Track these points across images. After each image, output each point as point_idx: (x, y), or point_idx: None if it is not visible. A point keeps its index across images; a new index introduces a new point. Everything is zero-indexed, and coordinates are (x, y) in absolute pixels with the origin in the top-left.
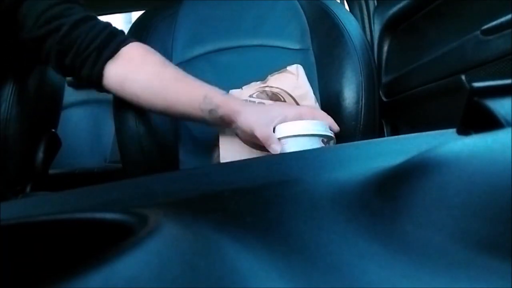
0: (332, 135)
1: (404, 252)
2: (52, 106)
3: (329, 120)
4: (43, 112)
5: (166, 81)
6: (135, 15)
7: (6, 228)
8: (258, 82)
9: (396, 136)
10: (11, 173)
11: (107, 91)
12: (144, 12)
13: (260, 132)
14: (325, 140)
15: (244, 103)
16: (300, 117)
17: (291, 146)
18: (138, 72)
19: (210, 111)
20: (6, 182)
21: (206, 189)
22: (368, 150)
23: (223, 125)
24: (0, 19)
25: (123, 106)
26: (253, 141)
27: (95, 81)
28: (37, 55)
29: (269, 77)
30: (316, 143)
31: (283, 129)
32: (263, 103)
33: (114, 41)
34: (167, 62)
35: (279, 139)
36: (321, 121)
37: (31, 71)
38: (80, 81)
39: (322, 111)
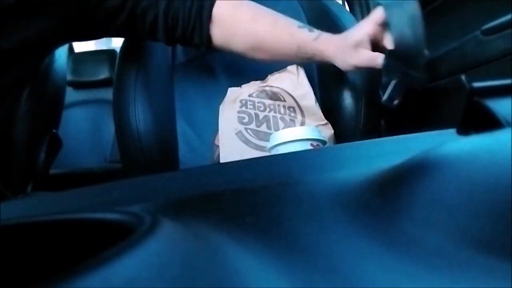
0: (324, 138)
1: (404, 252)
2: (54, 106)
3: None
4: (46, 113)
5: (261, 37)
6: None
7: (6, 228)
8: (258, 82)
9: (396, 136)
10: (13, 173)
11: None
12: None
13: (359, 62)
14: (314, 143)
15: (335, 45)
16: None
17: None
18: (234, 34)
19: (307, 59)
20: (8, 182)
21: (206, 189)
22: (368, 150)
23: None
24: None
25: (123, 106)
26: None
27: (207, 46)
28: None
29: (269, 76)
30: (305, 147)
31: (273, 139)
32: (264, 102)
33: (205, 7)
34: (254, 10)
35: (270, 149)
36: (311, 126)
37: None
38: (190, 46)
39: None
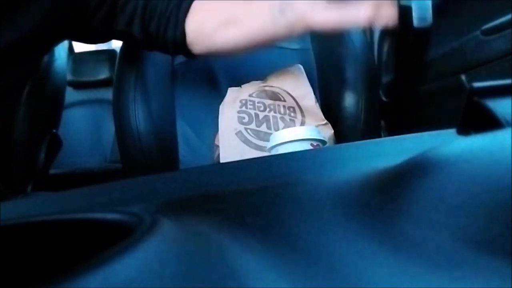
0: (324, 138)
1: (404, 252)
2: (54, 107)
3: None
4: (46, 113)
5: (233, 9)
6: None
7: (6, 228)
8: (258, 82)
9: (396, 136)
10: (14, 173)
11: (193, 55)
12: None
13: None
14: (314, 143)
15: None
16: None
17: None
18: (209, 17)
19: (284, 27)
20: (8, 183)
21: (206, 189)
22: (368, 150)
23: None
24: None
25: (123, 106)
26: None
27: (180, 42)
28: (108, 28)
29: (269, 76)
30: (305, 147)
31: (273, 139)
32: (264, 102)
33: (185, 2)
34: None
35: (270, 149)
36: (311, 126)
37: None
38: (165, 48)
39: None
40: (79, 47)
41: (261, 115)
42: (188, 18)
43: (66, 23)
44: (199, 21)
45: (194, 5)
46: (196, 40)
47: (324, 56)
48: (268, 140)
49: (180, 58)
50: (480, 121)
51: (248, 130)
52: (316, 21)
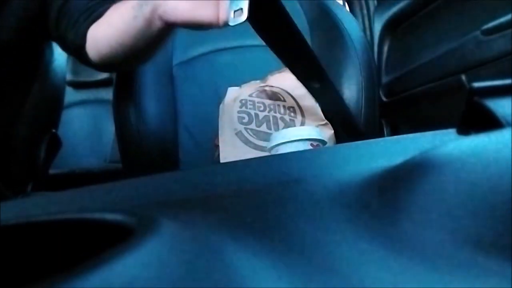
0: (324, 138)
1: (404, 252)
2: (53, 107)
3: None
4: (45, 113)
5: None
6: None
7: (6, 228)
8: (258, 81)
9: (396, 136)
10: (13, 173)
11: (91, 62)
12: None
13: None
14: (314, 143)
15: None
16: None
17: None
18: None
19: (149, 28)
20: (8, 183)
21: (206, 189)
22: (368, 150)
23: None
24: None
25: (124, 106)
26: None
27: (78, 45)
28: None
29: (269, 76)
30: (305, 147)
31: (273, 139)
32: (264, 102)
33: (97, 10)
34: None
35: (270, 149)
36: (311, 126)
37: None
38: (67, 50)
39: None
40: None
41: (261, 115)
42: (93, 26)
43: (39, 29)
44: (96, 30)
45: (101, 19)
46: (90, 46)
47: (324, 56)
48: (268, 140)
49: (180, 58)
50: (480, 121)
51: (248, 130)
52: (166, 11)
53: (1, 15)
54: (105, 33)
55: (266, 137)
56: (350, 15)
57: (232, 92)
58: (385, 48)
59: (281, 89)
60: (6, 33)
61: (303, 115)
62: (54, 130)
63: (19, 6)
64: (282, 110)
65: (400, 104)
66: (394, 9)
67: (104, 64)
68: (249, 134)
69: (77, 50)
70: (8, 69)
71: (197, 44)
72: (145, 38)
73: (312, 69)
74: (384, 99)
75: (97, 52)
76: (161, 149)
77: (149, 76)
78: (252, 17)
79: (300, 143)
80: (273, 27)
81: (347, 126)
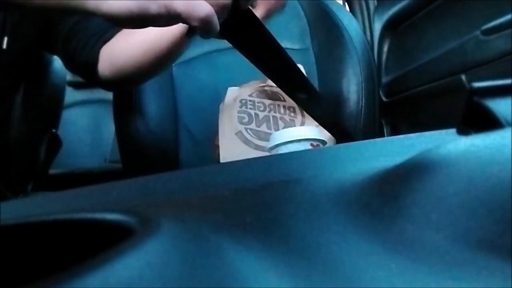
0: (324, 138)
1: (404, 252)
2: (53, 107)
3: None
4: (45, 113)
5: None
6: None
7: (6, 228)
8: (258, 81)
9: (396, 136)
10: (13, 173)
11: (104, 83)
12: None
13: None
14: (314, 143)
15: None
16: None
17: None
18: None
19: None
20: (8, 182)
21: (206, 189)
22: (368, 150)
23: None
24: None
25: (124, 106)
26: None
27: (91, 65)
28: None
29: None
30: (305, 147)
31: (273, 139)
32: (264, 102)
33: (107, 33)
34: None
35: (270, 149)
36: (311, 126)
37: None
38: (76, 70)
39: None
40: None
41: (261, 115)
42: (105, 46)
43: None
44: (112, 46)
45: (116, 37)
46: (103, 63)
47: (324, 56)
48: (268, 140)
49: (180, 58)
50: (480, 121)
51: (248, 130)
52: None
53: (13, 38)
54: (136, 41)
55: (266, 137)
56: (350, 15)
57: (232, 92)
58: (385, 48)
59: None
60: (13, 55)
61: (303, 115)
62: (54, 130)
63: (29, 27)
64: (282, 110)
65: (400, 104)
66: (394, 9)
67: (116, 79)
68: (249, 134)
69: (88, 70)
70: (9, 74)
71: (197, 44)
72: (181, 41)
73: (297, 81)
74: (384, 99)
75: (112, 67)
76: (161, 149)
77: None
78: (229, 35)
79: (300, 143)
80: (251, 43)
81: (337, 132)
